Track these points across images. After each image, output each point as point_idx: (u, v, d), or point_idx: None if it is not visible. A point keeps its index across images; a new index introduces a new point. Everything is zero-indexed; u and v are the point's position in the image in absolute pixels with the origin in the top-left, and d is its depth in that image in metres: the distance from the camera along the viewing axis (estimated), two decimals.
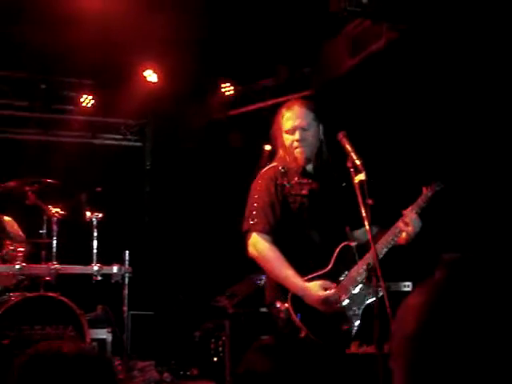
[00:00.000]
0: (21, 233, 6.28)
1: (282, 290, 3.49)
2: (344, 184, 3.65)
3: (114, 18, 6.25)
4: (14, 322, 5.44)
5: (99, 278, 5.83)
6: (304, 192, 3.60)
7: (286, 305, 3.43)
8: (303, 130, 3.64)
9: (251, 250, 3.59)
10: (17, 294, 5.74)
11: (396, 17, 5.10)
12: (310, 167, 3.71)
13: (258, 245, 3.54)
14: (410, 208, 3.57)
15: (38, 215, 6.19)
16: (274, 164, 3.72)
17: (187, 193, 8.08)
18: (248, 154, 6.81)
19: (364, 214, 3.25)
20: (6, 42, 7.11)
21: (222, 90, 8.28)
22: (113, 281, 5.97)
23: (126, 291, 6.02)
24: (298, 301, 3.44)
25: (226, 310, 6.62)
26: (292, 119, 3.65)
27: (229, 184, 7.42)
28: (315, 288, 3.44)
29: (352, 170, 3.43)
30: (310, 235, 3.59)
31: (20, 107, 8.22)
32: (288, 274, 3.46)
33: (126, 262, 5.96)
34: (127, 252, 5.96)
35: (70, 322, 5.54)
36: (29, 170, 6.58)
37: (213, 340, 6.65)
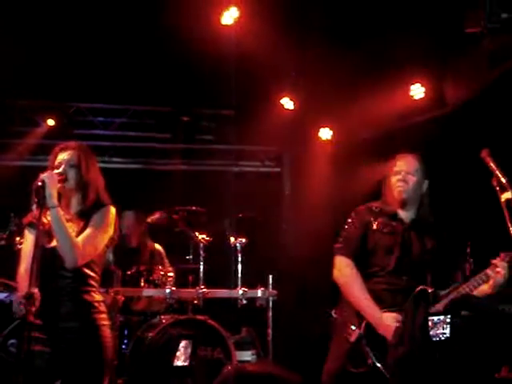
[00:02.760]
0: (166, 262, 6.62)
1: (357, 315, 3.77)
2: (435, 245, 3.97)
3: (251, 49, 6.46)
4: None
5: (244, 301, 5.99)
6: (385, 230, 3.93)
7: (359, 331, 3.71)
8: (407, 173, 3.98)
9: (335, 272, 3.96)
10: (167, 316, 6.02)
11: None
12: (405, 215, 4.00)
13: (343, 269, 3.92)
14: (502, 256, 3.65)
15: (184, 241, 6.49)
16: (371, 203, 4.09)
17: (325, 216, 8.12)
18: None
19: None
20: (149, 79, 7.54)
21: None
22: (257, 304, 6.12)
23: (270, 314, 6.15)
24: (371, 329, 3.71)
25: None
26: (400, 165, 4.02)
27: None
28: (390, 319, 3.70)
29: (498, 188, 3.45)
30: (382, 272, 3.88)
31: (163, 139, 8.66)
32: (366, 303, 3.76)
33: (270, 286, 6.09)
34: (271, 276, 6.09)
35: (217, 343, 5.73)
36: (175, 199, 6.90)
37: None
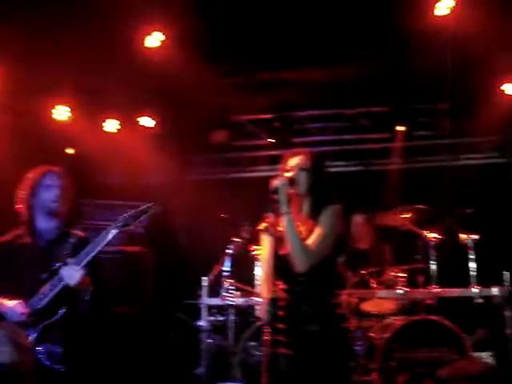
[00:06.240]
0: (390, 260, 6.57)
1: None
2: None
3: (467, 37, 6.21)
4: (400, 345, 5.68)
5: (479, 300, 5.77)
6: None
7: None
8: None
9: None
10: (399, 317, 5.97)
11: None
12: None
13: None
14: None
15: (412, 241, 6.39)
16: None
17: None
18: None
19: None
20: (361, 81, 7.53)
21: None
22: (494, 302, 5.86)
23: (508, 313, 5.85)
24: None
25: None
26: None
27: None
28: None
29: None
30: None
31: (381, 139, 8.60)
32: None
33: (507, 283, 5.80)
34: (507, 272, 5.80)
35: (452, 344, 5.59)
36: (398, 199, 6.82)
37: None
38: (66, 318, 3.89)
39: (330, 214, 3.63)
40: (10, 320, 3.86)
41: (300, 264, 3.52)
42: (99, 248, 3.92)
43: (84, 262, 3.87)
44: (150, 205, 4.06)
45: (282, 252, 3.59)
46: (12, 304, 3.87)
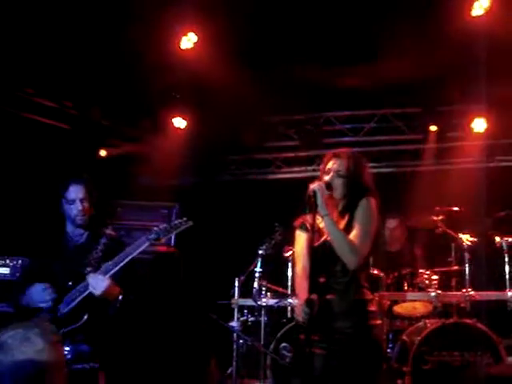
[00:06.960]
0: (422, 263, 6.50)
1: None
2: None
3: (505, 39, 6.14)
4: (432, 348, 5.63)
5: None
6: None
7: None
8: None
9: None
10: (432, 320, 5.92)
11: None
12: None
13: None
14: None
15: (445, 243, 6.33)
16: None
17: None
18: None
19: None
20: (394, 82, 7.47)
21: None
22: None
23: None
24: None
25: None
26: None
27: None
28: None
29: None
30: None
31: (414, 140, 8.54)
32: None
33: None
34: None
35: (487, 348, 5.53)
36: (431, 201, 6.76)
37: None
38: (88, 324, 3.91)
39: (366, 207, 3.61)
40: (36, 303, 3.92)
41: (350, 262, 3.52)
42: (128, 259, 3.91)
43: (111, 272, 3.88)
44: (183, 220, 4.06)
45: (316, 243, 3.58)
46: (39, 288, 3.94)
